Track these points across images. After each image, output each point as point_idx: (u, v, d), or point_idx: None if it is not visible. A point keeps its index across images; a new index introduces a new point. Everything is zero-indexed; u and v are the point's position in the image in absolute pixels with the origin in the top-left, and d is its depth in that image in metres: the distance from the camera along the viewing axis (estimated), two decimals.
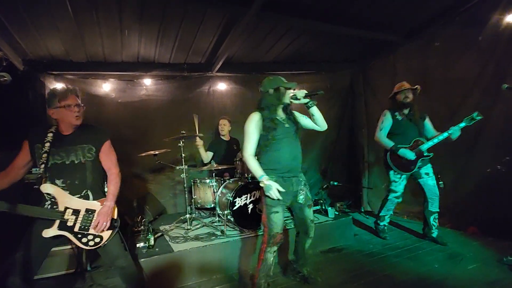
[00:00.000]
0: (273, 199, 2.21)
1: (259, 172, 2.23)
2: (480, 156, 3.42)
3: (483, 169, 3.38)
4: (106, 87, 4.37)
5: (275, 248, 2.30)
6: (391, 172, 3.40)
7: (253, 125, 2.29)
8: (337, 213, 3.75)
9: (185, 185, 3.66)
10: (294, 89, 2.42)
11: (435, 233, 3.33)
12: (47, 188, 1.86)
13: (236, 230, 3.25)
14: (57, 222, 1.86)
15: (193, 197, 3.84)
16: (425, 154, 3.20)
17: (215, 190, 3.67)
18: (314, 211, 3.76)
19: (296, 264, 2.72)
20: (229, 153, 4.26)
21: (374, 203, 4.96)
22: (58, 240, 1.92)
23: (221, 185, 3.65)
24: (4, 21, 2.94)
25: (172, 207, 4.74)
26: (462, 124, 3.00)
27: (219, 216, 3.54)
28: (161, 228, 3.56)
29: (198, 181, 3.87)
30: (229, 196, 3.23)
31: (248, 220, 3.26)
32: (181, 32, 3.56)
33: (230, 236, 3.08)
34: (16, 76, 3.53)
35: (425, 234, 3.45)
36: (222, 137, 4.39)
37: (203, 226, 3.51)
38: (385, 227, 3.64)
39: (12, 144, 3.23)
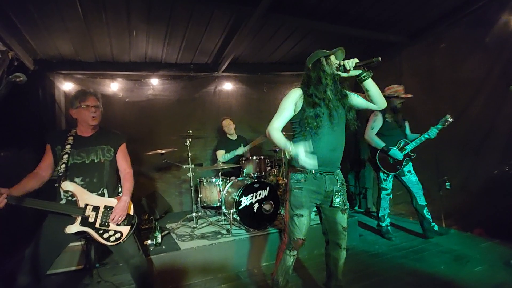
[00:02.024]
0: (299, 199, 1.93)
1: (283, 141, 1.85)
2: (487, 158, 3.39)
3: (490, 171, 3.36)
4: (114, 86, 4.44)
5: (295, 252, 2.02)
6: (380, 172, 3.55)
7: (290, 100, 1.92)
8: None
9: (192, 184, 3.70)
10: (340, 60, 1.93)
11: (436, 226, 3.45)
12: (67, 185, 1.92)
13: (242, 229, 3.27)
14: (79, 218, 1.92)
15: (199, 196, 3.88)
16: (410, 154, 3.43)
17: (221, 189, 3.70)
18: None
19: None
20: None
21: None
22: (76, 237, 1.98)
23: (227, 184, 3.68)
24: (15, 21, 3.00)
25: (178, 206, 4.80)
26: (439, 126, 3.23)
27: (225, 215, 3.57)
28: (168, 226, 3.60)
29: (204, 180, 3.91)
30: (235, 195, 3.26)
31: (254, 219, 3.27)
32: (188, 32, 3.59)
33: (236, 235, 3.10)
34: (27, 75, 3.58)
35: (426, 231, 3.45)
36: (229, 136, 4.43)
37: (209, 224, 3.53)
38: (388, 227, 3.66)
39: (22, 142, 3.33)
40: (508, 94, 2.76)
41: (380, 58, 1.77)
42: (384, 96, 3.31)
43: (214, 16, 3.28)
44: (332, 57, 1.94)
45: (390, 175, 3.53)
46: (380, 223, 3.68)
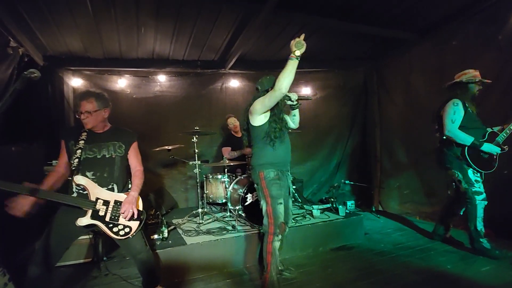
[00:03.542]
0: (278, 191, 2.35)
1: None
2: (497, 158, 3.33)
3: (499, 171, 3.29)
4: (122, 83, 4.47)
5: (280, 236, 2.39)
6: (470, 171, 2.92)
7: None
8: (347, 211, 3.75)
9: (198, 180, 3.72)
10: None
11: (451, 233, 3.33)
12: (79, 179, 1.97)
13: (247, 225, 3.29)
14: (90, 211, 1.97)
15: (205, 192, 3.91)
16: (502, 147, 2.88)
17: (227, 186, 3.72)
18: (325, 209, 3.81)
19: None
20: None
21: (386, 202, 4.93)
22: (86, 230, 2.03)
23: (233, 181, 3.70)
24: (26, 18, 3.04)
25: (184, 202, 4.85)
26: None
27: (230, 211, 3.59)
28: (174, 221, 3.63)
29: (210, 176, 3.93)
30: (241, 192, 3.27)
31: (259, 216, 3.28)
32: (195, 29, 3.60)
33: (241, 231, 3.13)
34: None
35: (435, 234, 3.39)
36: (234, 133, 4.45)
37: (215, 220, 3.56)
38: (490, 244, 2.92)
39: (32, 137, 3.39)
40: None
41: (309, 98, 2.76)
42: (461, 82, 2.96)
43: (222, 13, 3.28)
44: None
45: (483, 175, 2.95)
46: (480, 240, 2.91)
